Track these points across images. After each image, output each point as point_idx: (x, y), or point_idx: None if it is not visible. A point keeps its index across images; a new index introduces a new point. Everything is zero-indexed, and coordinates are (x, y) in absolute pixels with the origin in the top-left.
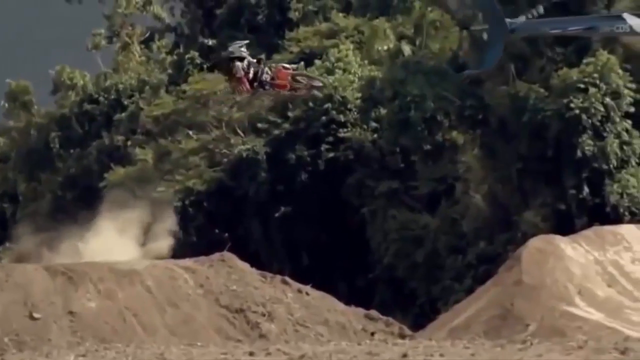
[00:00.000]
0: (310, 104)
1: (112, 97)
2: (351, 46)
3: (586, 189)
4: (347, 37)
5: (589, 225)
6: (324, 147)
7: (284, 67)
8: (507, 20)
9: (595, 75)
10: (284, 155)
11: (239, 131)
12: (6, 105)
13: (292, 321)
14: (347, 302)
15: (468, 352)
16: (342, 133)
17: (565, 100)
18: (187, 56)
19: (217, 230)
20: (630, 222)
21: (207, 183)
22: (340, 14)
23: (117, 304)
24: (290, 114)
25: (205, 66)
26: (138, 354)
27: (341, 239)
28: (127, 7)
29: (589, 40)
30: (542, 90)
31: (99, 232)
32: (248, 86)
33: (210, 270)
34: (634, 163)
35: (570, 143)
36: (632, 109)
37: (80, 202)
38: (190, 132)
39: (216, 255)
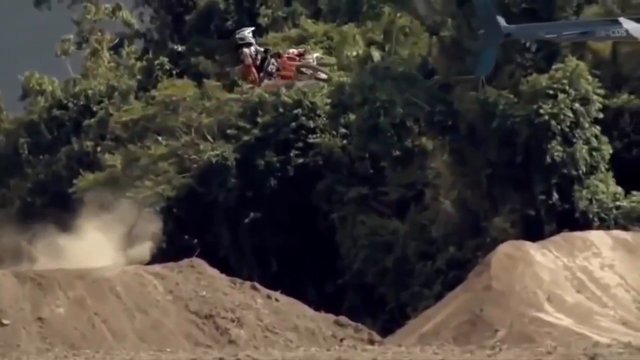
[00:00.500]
0: (280, 109)
1: (81, 102)
2: (321, 52)
3: (555, 195)
4: (316, 43)
5: (558, 231)
6: (293, 153)
7: (289, 58)
8: (502, 24)
9: (565, 81)
10: (253, 161)
11: (208, 137)
12: None
13: (261, 327)
14: (317, 308)
15: (437, 358)
16: (312, 139)
17: (534, 106)
18: (156, 62)
19: (186, 236)
20: (599, 228)
21: (176, 189)
22: (310, 20)
23: (87, 310)
24: (259, 120)
25: (174, 72)
26: (107, 359)
27: (310, 245)
28: (96, 13)
29: (558, 46)
30: (511, 96)
31: (78, 237)
32: (256, 75)
33: (180, 276)
34: (603, 169)
35: (540, 149)
36: (601, 115)
37: (50, 208)
38: (160, 138)
39: (185, 261)
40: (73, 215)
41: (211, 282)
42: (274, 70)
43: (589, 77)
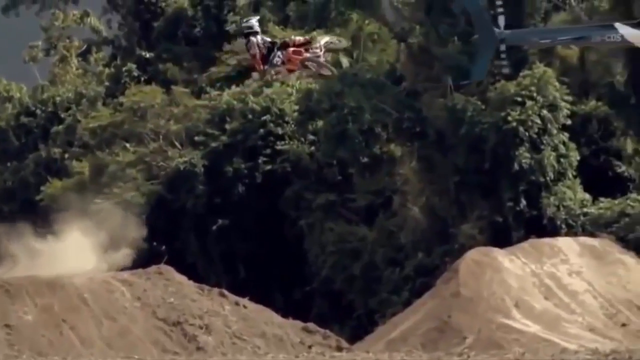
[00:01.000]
0: (249, 116)
1: (49, 109)
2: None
3: (523, 202)
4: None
5: (526, 237)
6: (261, 159)
7: (295, 52)
8: (497, 30)
9: (533, 88)
10: (221, 167)
11: (176, 144)
12: None
13: (229, 334)
14: (285, 315)
15: None
16: (280, 145)
17: (502, 113)
18: (124, 68)
19: (154, 243)
20: (567, 234)
21: (144, 196)
22: (278, 27)
23: (54, 317)
24: (227, 126)
25: (142, 78)
26: None
27: (278, 252)
28: (64, 20)
29: (526, 53)
30: (479, 103)
31: (55, 242)
32: (261, 65)
33: (148, 283)
34: (570, 175)
35: (508, 155)
36: (569, 122)
37: (18, 215)
38: (128, 145)
39: (153, 268)
40: (43, 221)
41: (179, 288)
42: (279, 63)
43: (557, 84)
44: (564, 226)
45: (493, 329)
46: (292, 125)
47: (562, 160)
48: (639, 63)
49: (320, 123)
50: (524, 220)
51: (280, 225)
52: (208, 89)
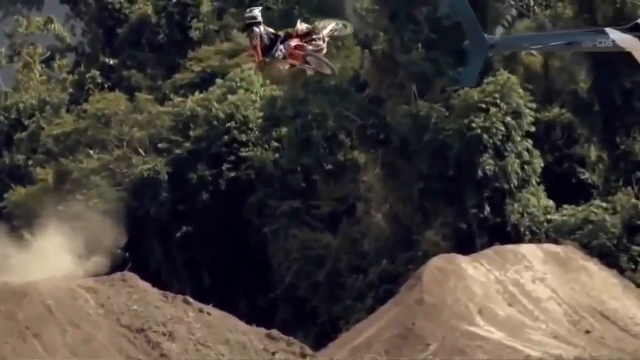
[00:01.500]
0: (214, 122)
1: (13, 116)
2: (254, 66)
3: (487, 209)
4: (249, 57)
5: (490, 244)
6: (225, 166)
7: (297, 47)
8: (487, 36)
9: (497, 95)
10: (185, 175)
11: (140, 151)
12: None
13: (193, 341)
14: (249, 322)
15: None
16: (244, 152)
17: (466, 120)
18: (88, 75)
19: (118, 250)
20: (531, 241)
21: (108, 203)
22: (242, 34)
23: (18, 324)
24: (191, 133)
25: (106, 85)
26: None
27: (243, 259)
28: (28, 26)
29: (490, 60)
30: (443, 110)
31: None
32: (260, 56)
33: (112, 290)
34: (534, 183)
35: (472, 163)
36: (532, 129)
37: None
38: (92, 152)
39: (117, 275)
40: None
41: (143, 296)
42: (281, 57)
43: (521, 91)
44: (528, 233)
45: (457, 336)
46: (257, 133)
47: (526, 167)
48: (602, 70)
49: (284, 130)
50: (488, 227)
51: (244, 233)
52: (172, 96)
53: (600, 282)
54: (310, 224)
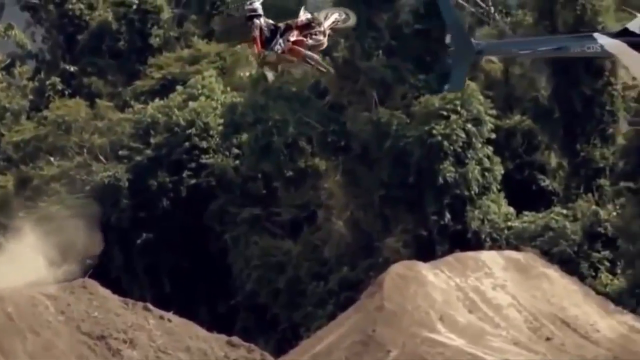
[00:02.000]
0: (175, 129)
1: None
2: (214, 73)
3: (447, 215)
4: (209, 63)
5: (450, 251)
6: (186, 173)
7: (297, 42)
8: (474, 41)
9: (457, 102)
10: (146, 181)
11: (100, 157)
12: None
13: (153, 348)
14: (209, 329)
15: None
16: (205, 159)
17: (427, 127)
18: (48, 82)
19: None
20: (491, 248)
21: (68, 210)
22: (202, 41)
23: None
24: (152, 140)
25: (66, 92)
26: None
27: (203, 266)
28: None
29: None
30: (404, 116)
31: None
32: (259, 48)
33: (72, 297)
34: (495, 189)
35: (432, 169)
36: (493, 136)
37: None
38: (52, 159)
39: (78, 282)
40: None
41: (103, 302)
42: (279, 51)
43: (481, 98)
44: (488, 240)
45: (417, 342)
46: (217, 139)
47: (486, 174)
48: (562, 77)
49: (244, 136)
50: (449, 234)
51: (205, 239)
52: (132, 102)
53: (561, 288)
54: (270, 231)
